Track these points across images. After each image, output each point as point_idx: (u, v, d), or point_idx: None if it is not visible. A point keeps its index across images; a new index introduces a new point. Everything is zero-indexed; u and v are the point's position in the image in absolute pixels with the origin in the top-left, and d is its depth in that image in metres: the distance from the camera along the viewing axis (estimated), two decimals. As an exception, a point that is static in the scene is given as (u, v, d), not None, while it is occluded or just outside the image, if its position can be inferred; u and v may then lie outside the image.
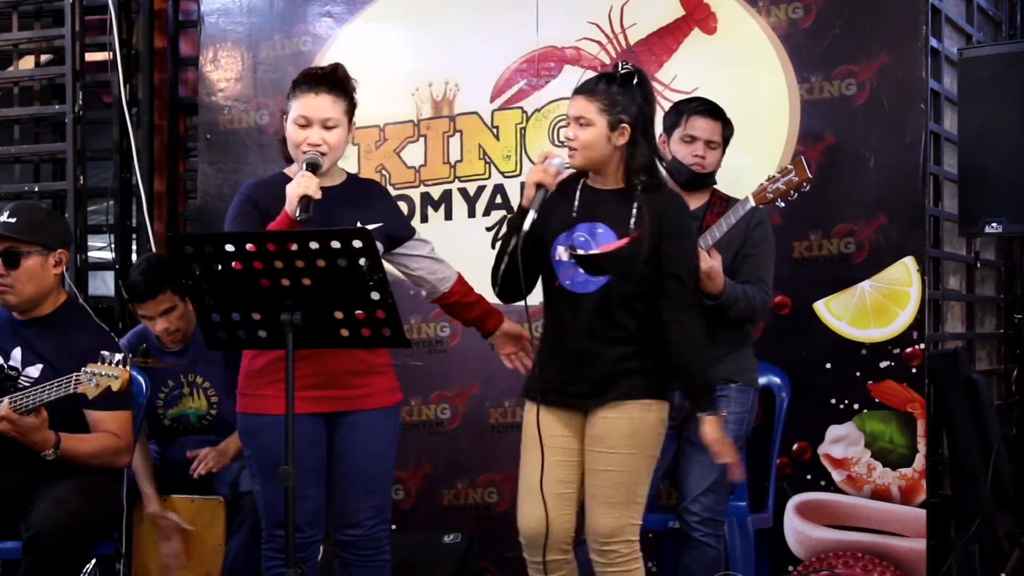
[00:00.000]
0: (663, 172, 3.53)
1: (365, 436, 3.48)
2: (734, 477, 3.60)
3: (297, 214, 3.27)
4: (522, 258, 3.40)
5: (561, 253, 3.44)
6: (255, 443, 3.49)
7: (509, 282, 3.48)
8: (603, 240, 3.41)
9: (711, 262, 3.79)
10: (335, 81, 3.51)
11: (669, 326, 3.40)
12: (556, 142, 4.73)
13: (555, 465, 3.45)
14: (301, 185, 3.30)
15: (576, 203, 3.46)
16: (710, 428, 3.44)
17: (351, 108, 3.54)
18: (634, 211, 3.40)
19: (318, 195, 3.30)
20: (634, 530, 3.42)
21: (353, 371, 3.46)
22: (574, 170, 3.49)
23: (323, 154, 3.46)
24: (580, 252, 3.40)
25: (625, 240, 3.38)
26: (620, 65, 3.45)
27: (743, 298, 3.87)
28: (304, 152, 3.45)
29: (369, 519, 3.52)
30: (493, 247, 3.46)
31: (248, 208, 3.49)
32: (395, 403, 3.58)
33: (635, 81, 3.42)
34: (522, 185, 4.67)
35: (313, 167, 3.41)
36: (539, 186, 3.42)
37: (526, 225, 3.39)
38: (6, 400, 3.65)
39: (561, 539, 3.47)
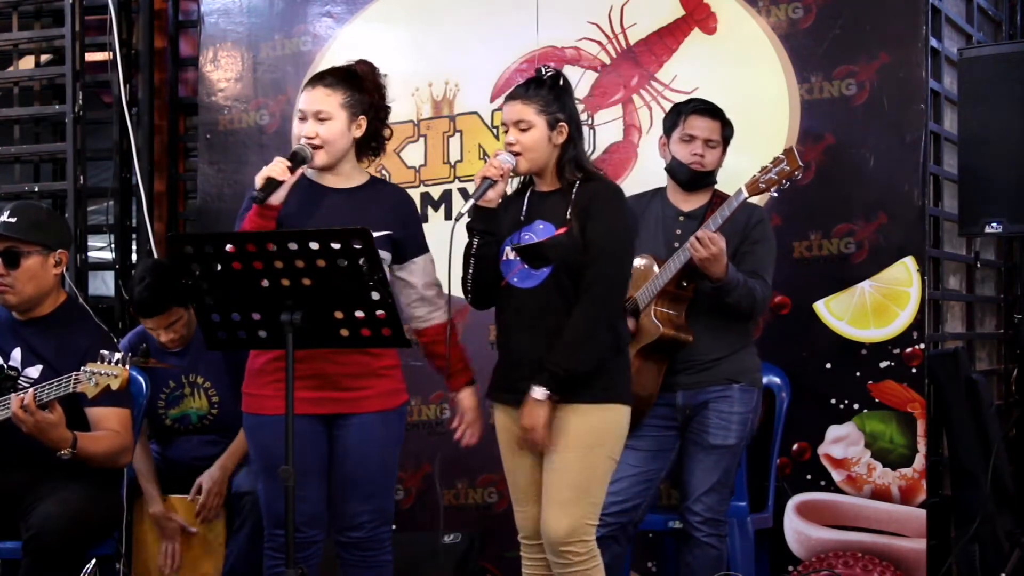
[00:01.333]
0: (593, 167, 3.56)
1: (365, 439, 3.47)
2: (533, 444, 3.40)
3: (255, 191, 3.32)
4: (482, 261, 3.46)
5: (508, 253, 3.48)
6: (256, 442, 3.50)
7: (477, 286, 3.51)
8: (544, 235, 3.45)
9: (719, 243, 3.79)
10: (340, 75, 3.53)
11: (579, 300, 3.37)
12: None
13: (528, 468, 3.50)
14: (269, 167, 3.36)
15: (524, 207, 3.51)
16: (531, 407, 3.34)
17: (354, 101, 3.51)
18: (571, 203, 3.44)
19: (284, 178, 3.34)
20: (589, 530, 3.42)
21: (353, 374, 3.44)
22: (519, 175, 3.54)
23: (316, 147, 3.46)
24: (519, 245, 3.45)
25: (563, 229, 3.42)
26: (544, 69, 3.52)
27: (744, 285, 3.86)
28: (298, 144, 3.49)
29: (370, 521, 3.51)
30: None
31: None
32: (397, 405, 3.56)
33: (561, 83, 3.49)
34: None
35: (296, 157, 3.42)
36: (485, 179, 3.45)
37: (462, 210, 3.45)
38: (31, 391, 3.64)
39: None
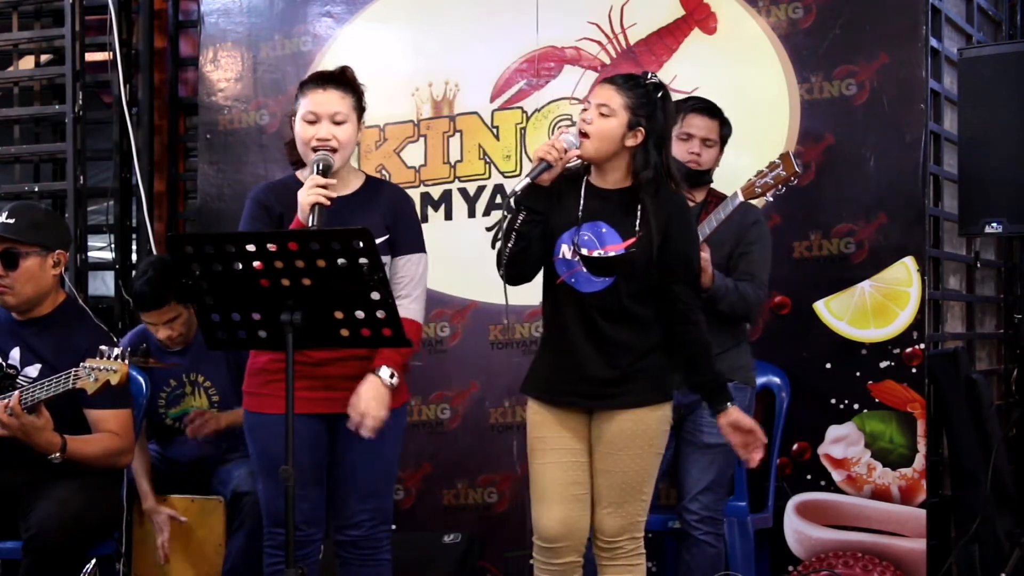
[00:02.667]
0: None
1: (364, 437, 3.46)
2: (753, 462, 3.47)
3: (310, 222, 3.25)
4: (523, 239, 3.37)
5: (564, 251, 3.41)
6: (256, 441, 3.50)
7: (514, 262, 3.42)
8: (608, 240, 3.39)
9: (702, 255, 3.79)
10: (342, 80, 3.50)
11: (684, 327, 3.41)
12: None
13: (566, 466, 3.45)
14: (311, 193, 3.28)
15: (581, 202, 3.43)
16: (741, 416, 3.41)
17: (359, 105, 3.51)
18: (639, 211, 3.38)
19: (328, 201, 3.28)
20: (640, 525, 3.45)
21: (353, 375, 3.43)
22: (579, 160, 3.43)
23: (334, 150, 3.43)
24: (585, 252, 3.38)
25: (631, 240, 3.37)
26: (649, 74, 3.45)
27: (733, 291, 3.87)
28: (314, 150, 3.43)
29: (368, 520, 3.51)
30: (493, 247, 3.44)
31: (259, 212, 3.50)
32: (397, 406, 3.52)
33: (660, 95, 3.40)
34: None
35: (325, 169, 3.38)
36: (542, 160, 3.37)
37: (517, 187, 3.35)
38: (16, 394, 3.64)
39: (580, 541, 3.45)
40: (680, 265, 3.40)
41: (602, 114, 3.36)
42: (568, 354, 3.43)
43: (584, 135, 3.38)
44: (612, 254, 3.37)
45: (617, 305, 3.38)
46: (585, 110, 3.42)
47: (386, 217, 3.51)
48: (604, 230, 3.40)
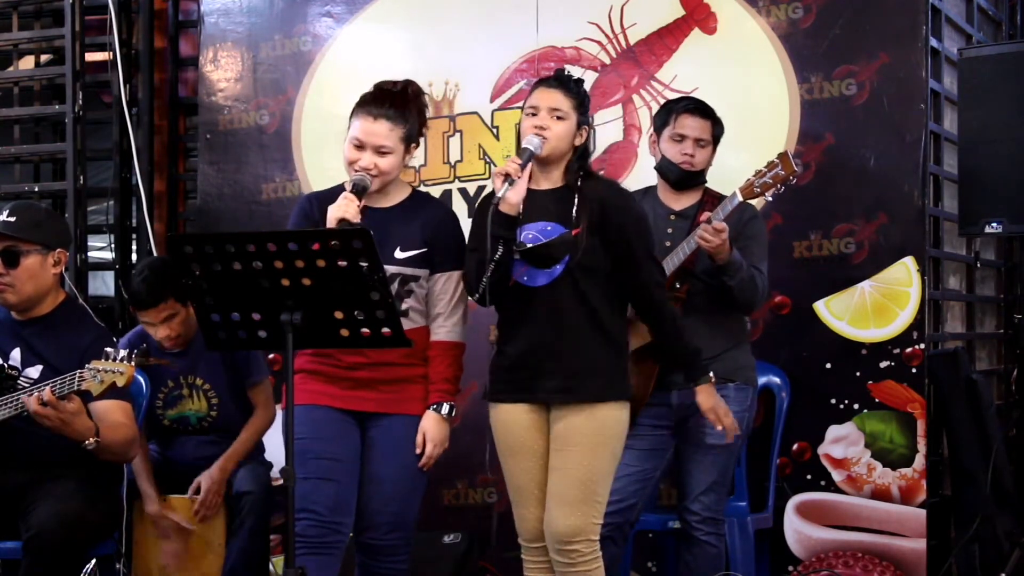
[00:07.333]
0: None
1: (393, 441, 3.51)
2: (729, 438, 3.79)
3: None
4: (502, 266, 3.40)
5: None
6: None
7: (494, 288, 3.44)
8: (554, 235, 3.44)
9: (718, 228, 3.78)
10: (399, 105, 3.50)
11: (649, 307, 3.54)
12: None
13: (537, 468, 3.48)
14: (340, 208, 3.35)
15: (521, 206, 3.45)
16: (704, 396, 3.65)
17: (411, 132, 3.52)
18: (576, 202, 3.44)
19: (357, 219, 3.32)
20: (595, 529, 3.44)
21: (387, 379, 3.50)
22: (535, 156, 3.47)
23: (373, 176, 3.47)
24: (527, 245, 3.43)
25: (576, 231, 3.41)
26: (566, 70, 3.57)
27: (747, 268, 3.85)
28: (356, 172, 3.48)
29: (385, 524, 3.51)
30: (470, 291, 3.51)
31: (300, 219, 3.57)
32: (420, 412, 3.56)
33: (587, 90, 3.56)
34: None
35: (360, 191, 3.42)
36: (506, 177, 3.39)
37: (504, 207, 3.38)
38: (48, 386, 3.63)
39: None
40: (634, 252, 3.45)
41: (558, 118, 3.47)
42: (524, 352, 3.47)
43: (543, 138, 3.45)
44: (547, 242, 3.41)
45: (572, 293, 3.41)
46: (534, 114, 3.48)
47: (424, 231, 3.54)
48: (549, 228, 3.45)
